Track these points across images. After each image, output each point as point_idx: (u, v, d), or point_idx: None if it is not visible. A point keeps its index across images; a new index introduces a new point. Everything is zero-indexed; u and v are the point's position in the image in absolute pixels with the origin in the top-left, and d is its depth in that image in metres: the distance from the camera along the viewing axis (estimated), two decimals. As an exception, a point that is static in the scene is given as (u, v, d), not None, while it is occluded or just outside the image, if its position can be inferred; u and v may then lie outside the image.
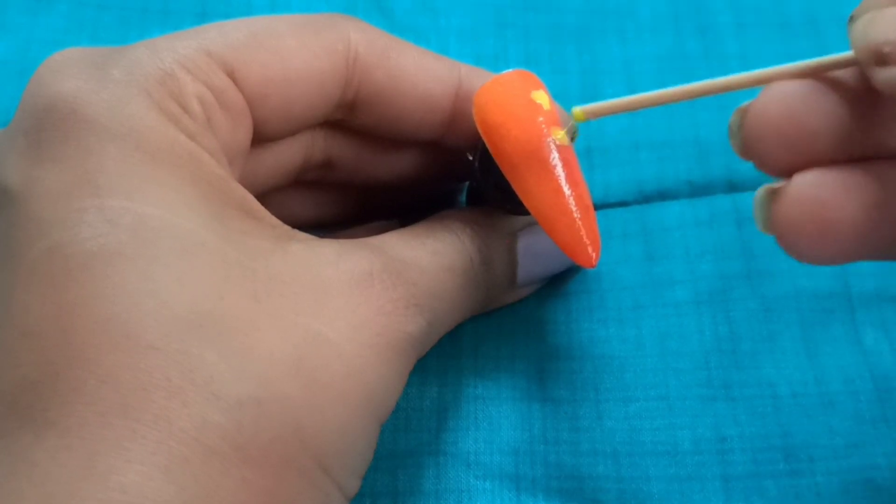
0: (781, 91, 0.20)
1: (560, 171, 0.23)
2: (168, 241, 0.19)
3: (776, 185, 0.21)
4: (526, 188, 0.23)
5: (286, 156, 0.25)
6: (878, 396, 0.26)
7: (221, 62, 0.22)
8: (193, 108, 0.21)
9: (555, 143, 0.22)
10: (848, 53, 0.20)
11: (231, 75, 0.22)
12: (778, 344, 0.27)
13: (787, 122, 0.20)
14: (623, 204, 0.31)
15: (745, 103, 0.21)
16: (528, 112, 0.23)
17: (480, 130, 0.23)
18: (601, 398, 0.27)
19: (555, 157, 0.22)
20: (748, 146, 0.20)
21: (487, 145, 0.23)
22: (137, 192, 0.20)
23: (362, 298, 0.21)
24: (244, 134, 0.23)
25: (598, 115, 0.22)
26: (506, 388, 0.27)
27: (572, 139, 0.23)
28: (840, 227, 0.20)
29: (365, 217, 0.28)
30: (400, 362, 0.22)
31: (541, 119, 0.23)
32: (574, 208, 0.22)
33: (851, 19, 0.20)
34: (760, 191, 0.21)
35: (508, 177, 0.23)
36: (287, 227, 0.22)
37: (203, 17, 0.35)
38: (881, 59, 0.19)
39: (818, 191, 0.20)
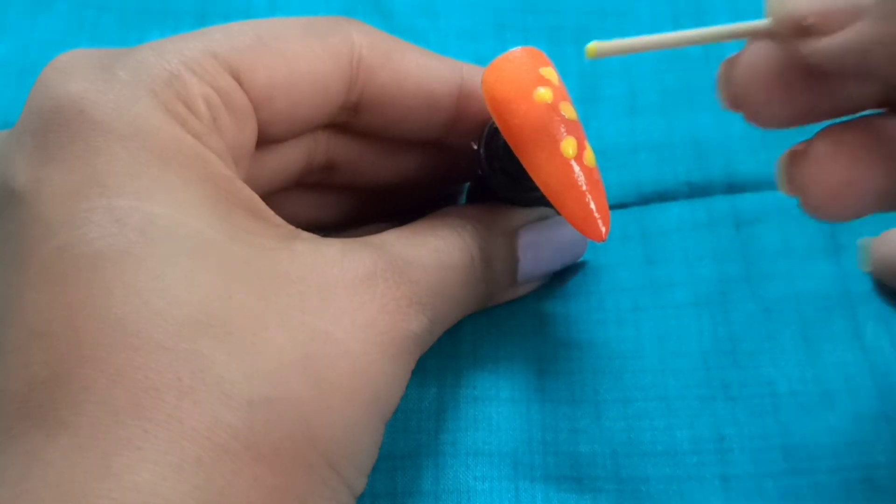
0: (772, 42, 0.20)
1: None
2: (176, 240, 0.19)
3: (799, 146, 0.21)
4: (535, 163, 0.23)
5: (289, 158, 0.26)
6: (878, 394, 0.26)
7: (227, 64, 0.22)
8: (200, 109, 0.22)
9: (564, 118, 0.23)
10: (767, 22, 0.20)
11: (236, 77, 0.22)
12: (777, 343, 0.27)
13: (778, 72, 0.20)
14: (622, 206, 0.31)
15: (733, 54, 0.21)
16: (537, 87, 0.23)
17: (489, 107, 0.23)
18: (600, 399, 0.27)
19: (564, 132, 0.22)
20: (738, 96, 0.21)
21: (497, 122, 0.23)
22: (145, 192, 0.20)
23: (367, 297, 0.21)
24: (249, 135, 0.23)
25: (611, 54, 0.21)
26: (504, 389, 0.27)
27: None
28: (863, 183, 0.20)
29: (365, 219, 0.28)
30: (404, 360, 0.22)
31: (550, 94, 0.23)
32: (583, 182, 0.22)
33: None
34: (783, 155, 0.21)
35: (518, 153, 0.23)
36: (291, 227, 0.22)
37: (203, 17, 0.35)
38: (803, 31, 0.19)
39: (842, 148, 0.20)
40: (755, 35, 0.20)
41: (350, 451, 0.20)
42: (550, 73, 0.23)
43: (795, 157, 0.21)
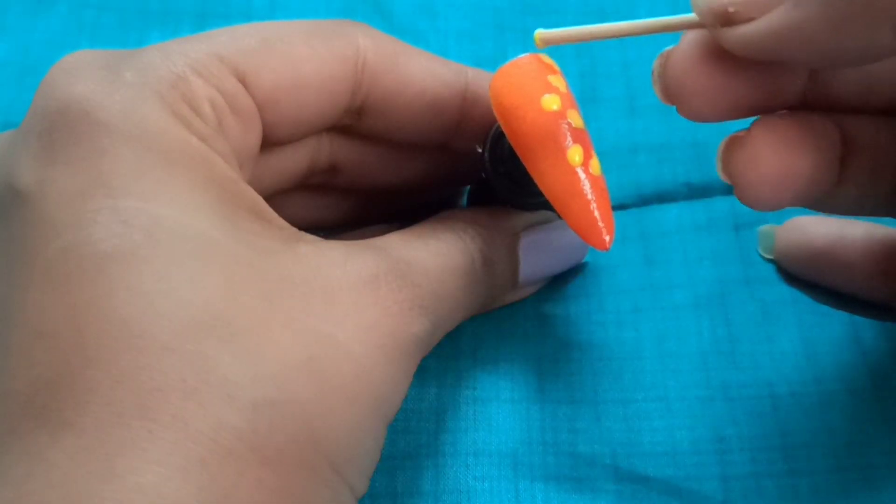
0: (704, 36, 0.21)
1: None
2: (182, 241, 0.19)
3: (739, 133, 0.22)
4: (541, 170, 0.23)
5: (292, 160, 0.26)
6: (877, 395, 0.26)
7: (233, 67, 0.22)
8: (205, 111, 0.22)
9: (570, 126, 0.23)
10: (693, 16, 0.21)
11: (242, 80, 0.23)
12: (777, 346, 0.28)
13: (709, 65, 0.21)
14: (622, 207, 0.31)
15: (667, 48, 0.22)
16: (544, 94, 0.23)
17: (496, 113, 0.23)
18: (599, 399, 0.27)
19: (570, 139, 0.22)
20: (670, 88, 0.21)
21: (503, 128, 0.23)
22: (151, 193, 0.20)
23: (369, 300, 0.21)
24: (254, 138, 0.23)
25: (556, 42, 0.22)
26: (504, 390, 0.27)
27: None
28: (792, 170, 0.21)
29: (366, 221, 0.29)
30: (406, 363, 0.22)
31: (558, 101, 0.23)
32: (588, 190, 0.22)
33: None
34: (723, 141, 0.22)
35: (524, 159, 0.23)
36: (294, 229, 0.22)
37: (203, 18, 0.34)
38: (727, 19, 0.19)
39: (776, 135, 0.21)
40: (688, 27, 0.21)
41: (352, 453, 0.20)
42: (558, 80, 0.23)
43: (733, 143, 0.22)
